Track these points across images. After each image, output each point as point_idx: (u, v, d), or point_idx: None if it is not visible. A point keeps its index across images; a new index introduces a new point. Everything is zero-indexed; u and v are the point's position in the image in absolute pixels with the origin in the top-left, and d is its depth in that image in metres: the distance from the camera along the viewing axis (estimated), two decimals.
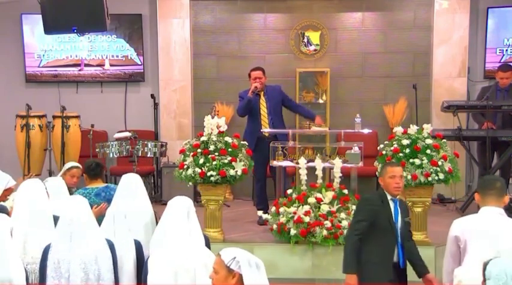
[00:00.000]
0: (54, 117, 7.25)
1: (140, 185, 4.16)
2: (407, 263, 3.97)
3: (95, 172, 4.82)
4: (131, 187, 4.08)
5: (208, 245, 3.52)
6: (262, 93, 6.44)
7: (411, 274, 4.03)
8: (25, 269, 3.18)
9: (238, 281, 2.51)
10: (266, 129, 6.34)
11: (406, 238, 3.97)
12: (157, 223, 4.17)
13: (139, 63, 8.24)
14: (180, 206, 3.34)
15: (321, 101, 7.96)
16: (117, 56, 8.25)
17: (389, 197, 3.95)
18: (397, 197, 3.98)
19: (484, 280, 2.50)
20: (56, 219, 3.54)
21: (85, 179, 4.94)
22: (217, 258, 2.61)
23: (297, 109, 6.82)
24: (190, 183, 5.66)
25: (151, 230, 3.99)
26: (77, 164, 5.35)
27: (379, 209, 3.90)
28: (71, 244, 3.10)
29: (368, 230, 3.85)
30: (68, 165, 5.29)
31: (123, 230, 3.52)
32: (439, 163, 5.31)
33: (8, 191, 4.20)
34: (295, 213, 5.55)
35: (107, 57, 8.26)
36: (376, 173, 5.66)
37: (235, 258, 2.51)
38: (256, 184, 6.56)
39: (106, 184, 4.88)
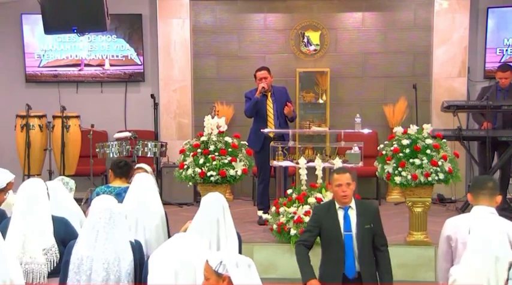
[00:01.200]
0: (54, 117, 7.25)
1: (152, 186, 4.15)
2: (366, 274, 3.76)
3: (122, 170, 4.76)
4: (143, 188, 4.08)
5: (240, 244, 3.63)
6: (270, 93, 6.44)
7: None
8: (24, 269, 3.19)
9: (229, 283, 2.53)
10: (270, 129, 6.33)
11: (366, 247, 3.76)
12: (167, 223, 4.19)
13: (140, 63, 8.24)
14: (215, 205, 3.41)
15: (321, 101, 7.96)
16: (117, 56, 8.25)
17: (337, 205, 3.82)
18: (349, 204, 3.82)
19: (508, 279, 2.51)
20: (55, 219, 3.54)
21: (110, 176, 4.88)
22: (205, 265, 2.64)
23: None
24: (190, 183, 5.66)
25: (162, 230, 4.01)
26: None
27: (324, 218, 3.81)
28: (97, 242, 3.11)
29: (321, 240, 3.85)
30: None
31: (123, 229, 3.51)
32: (439, 163, 5.31)
33: (10, 186, 4.17)
34: (295, 213, 5.55)
35: (107, 57, 8.26)
36: (376, 173, 5.68)
37: (221, 262, 2.55)
38: (259, 185, 6.54)
39: (128, 185, 4.84)
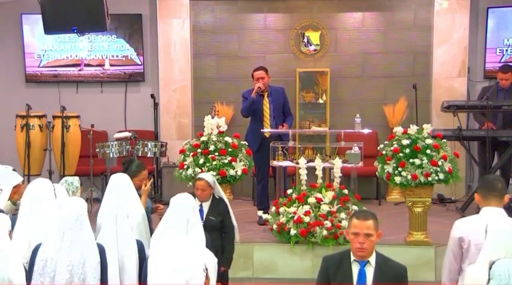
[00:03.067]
0: (54, 117, 7.25)
1: (130, 186, 4.13)
2: None
3: (123, 168, 4.67)
4: (122, 187, 4.06)
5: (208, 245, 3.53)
6: (266, 93, 6.44)
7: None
8: (25, 269, 3.18)
9: None
10: (267, 129, 6.34)
11: None
12: (149, 222, 4.18)
13: (140, 63, 8.24)
14: (182, 205, 3.36)
15: (321, 101, 7.96)
16: (117, 56, 8.25)
17: (353, 257, 3.09)
18: (368, 259, 3.08)
19: (489, 280, 2.51)
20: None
21: None
22: None
23: (284, 117, 6.64)
24: (190, 183, 5.66)
25: (144, 230, 3.99)
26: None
27: (333, 274, 3.10)
28: (62, 244, 3.09)
29: None
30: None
31: (126, 230, 3.51)
32: (439, 163, 5.31)
33: (17, 189, 4.18)
34: (295, 213, 5.55)
35: (107, 57, 8.25)
36: (376, 173, 5.68)
37: None
38: (258, 185, 6.56)
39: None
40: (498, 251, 2.86)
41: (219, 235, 4.50)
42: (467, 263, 3.38)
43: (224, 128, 5.69)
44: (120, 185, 4.05)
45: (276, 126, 6.37)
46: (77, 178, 4.42)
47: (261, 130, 6.32)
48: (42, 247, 3.14)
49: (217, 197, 4.60)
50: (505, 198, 3.45)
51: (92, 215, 4.13)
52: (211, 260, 3.19)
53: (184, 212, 3.37)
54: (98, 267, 3.11)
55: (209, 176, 4.60)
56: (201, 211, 4.45)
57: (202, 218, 4.39)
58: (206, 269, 3.01)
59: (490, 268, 2.53)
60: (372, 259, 3.09)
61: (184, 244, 3.13)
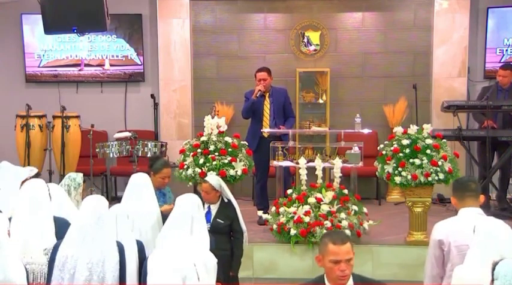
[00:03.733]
0: (54, 117, 7.25)
1: (148, 186, 4.14)
2: None
3: (149, 163, 4.75)
4: (139, 188, 4.07)
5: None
6: (268, 94, 6.45)
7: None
8: (25, 269, 3.18)
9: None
10: (266, 129, 6.34)
11: None
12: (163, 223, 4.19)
13: (140, 63, 8.24)
14: (187, 203, 3.36)
15: (321, 101, 7.95)
16: (117, 56, 8.25)
17: None
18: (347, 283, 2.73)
19: (493, 280, 2.50)
20: (56, 220, 3.54)
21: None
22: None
23: (285, 118, 6.65)
24: (190, 183, 5.67)
25: (158, 231, 4.00)
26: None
27: None
28: (83, 242, 3.11)
29: None
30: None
31: (126, 230, 3.51)
32: (439, 163, 5.31)
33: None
34: (295, 213, 5.55)
35: (107, 57, 8.26)
36: (376, 173, 5.68)
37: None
38: (257, 184, 6.57)
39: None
40: (489, 251, 2.87)
41: (227, 238, 4.47)
42: (449, 265, 3.38)
43: (224, 128, 5.69)
44: (137, 185, 4.06)
45: (276, 127, 6.38)
46: (80, 174, 4.44)
47: (260, 130, 6.32)
48: (63, 244, 3.17)
49: (226, 200, 4.55)
50: (481, 198, 3.46)
51: None
52: (209, 260, 3.19)
53: (189, 210, 3.37)
54: (117, 267, 3.14)
55: (214, 179, 4.54)
56: (208, 213, 4.44)
57: (209, 221, 4.39)
58: (196, 268, 3.00)
59: (494, 269, 2.53)
60: (350, 283, 2.78)
61: (182, 243, 3.13)
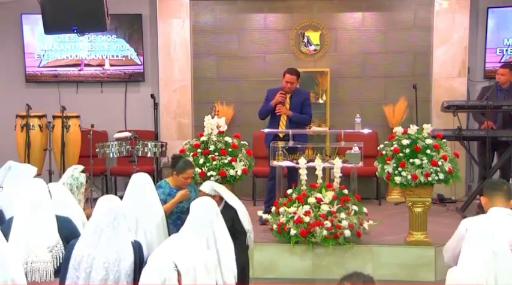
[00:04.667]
0: (54, 117, 7.25)
1: (150, 186, 4.14)
2: None
3: (172, 162, 4.88)
4: (141, 188, 4.06)
5: None
6: (289, 95, 6.45)
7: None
8: (30, 268, 3.19)
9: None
10: (277, 130, 6.38)
11: None
12: (167, 223, 4.19)
13: (140, 63, 8.24)
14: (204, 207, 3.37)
15: (321, 101, 7.96)
16: (117, 56, 8.25)
17: None
18: None
19: None
20: (58, 218, 3.54)
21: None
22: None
23: None
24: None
25: (163, 231, 4.00)
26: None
27: None
28: (99, 241, 3.12)
29: None
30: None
31: (122, 230, 3.51)
32: (439, 163, 5.31)
33: None
34: (295, 213, 5.55)
35: (107, 57, 8.26)
36: (376, 173, 5.68)
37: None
38: (269, 181, 6.51)
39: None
40: (483, 251, 2.87)
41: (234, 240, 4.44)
42: None
43: (224, 128, 5.69)
44: (139, 185, 4.06)
45: (291, 127, 6.38)
46: (83, 174, 4.48)
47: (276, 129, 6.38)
48: (79, 243, 3.18)
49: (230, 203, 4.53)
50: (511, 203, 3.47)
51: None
52: (209, 261, 3.18)
53: (207, 213, 3.35)
54: (132, 266, 3.15)
55: (206, 186, 4.49)
56: None
57: None
58: (177, 269, 2.99)
59: None
60: None
61: (184, 244, 3.13)
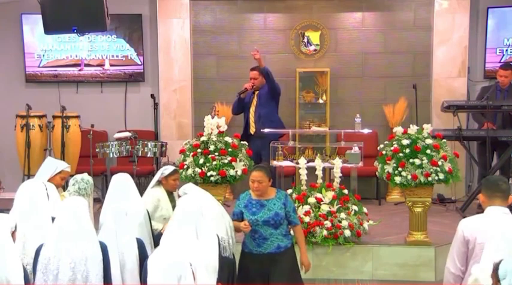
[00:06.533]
0: (54, 117, 7.25)
1: (132, 185, 4.14)
2: None
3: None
4: (123, 187, 4.06)
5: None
6: (257, 92, 6.55)
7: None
8: (24, 269, 3.18)
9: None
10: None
11: None
12: (150, 221, 4.19)
13: (140, 63, 8.24)
14: (189, 205, 3.36)
15: (321, 101, 7.96)
16: (117, 56, 8.25)
17: None
18: None
19: (498, 281, 2.49)
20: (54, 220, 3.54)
21: None
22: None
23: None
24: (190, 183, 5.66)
25: (146, 229, 4.00)
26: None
27: None
28: (64, 243, 3.11)
29: None
30: (168, 169, 4.81)
31: (125, 228, 3.51)
32: (439, 163, 5.31)
33: (65, 174, 4.76)
34: None
35: (107, 57, 8.26)
36: (376, 173, 5.68)
37: None
38: None
39: None
40: (504, 251, 2.87)
41: None
42: (472, 262, 3.38)
43: (224, 128, 5.69)
44: (121, 184, 4.05)
45: (261, 122, 6.50)
46: (90, 176, 4.47)
47: (248, 127, 6.55)
48: (45, 246, 3.15)
49: None
50: (510, 198, 3.46)
51: (94, 214, 4.15)
52: (210, 261, 3.19)
53: (193, 210, 3.34)
54: (100, 265, 3.13)
55: (180, 190, 4.42)
56: None
57: None
58: (192, 268, 2.99)
59: (497, 269, 2.51)
60: None
61: (182, 243, 3.13)
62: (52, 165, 4.76)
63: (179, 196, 4.44)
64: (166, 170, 4.77)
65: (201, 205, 3.46)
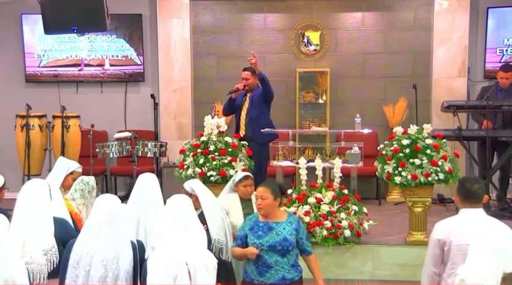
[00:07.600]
0: (54, 117, 7.25)
1: (156, 186, 4.13)
2: None
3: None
4: (148, 188, 4.06)
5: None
6: (248, 95, 6.49)
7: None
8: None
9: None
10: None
11: None
12: None
13: (140, 63, 8.24)
14: (180, 205, 3.35)
15: (321, 101, 7.96)
16: (117, 56, 8.25)
17: None
18: None
19: None
20: (55, 220, 3.54)
21: None
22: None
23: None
24: None
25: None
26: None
27: None
28: (98, 240, 3.14)
29: None
30: (239, 175, 4.66)
31: (121, 229, 3.51)
32: (439, 163, 5.31)
33: (76, 175, 4.64)
34: (295, 213, 5.54)
35: (107, 57, 8.26)
36: (376, 173, 5.68)
37: None
38: None
39: None
40: (488, 250, 2.87)
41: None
42: (450, 264, 3.38)
43: (224, 128, 5.69)
44: (145, 185, 4.05)
45: (251, 124, 6.38)
46: (92, 177, 4.55)
47: (238, 129, 6.44)
48: (77, 242, 3.20)
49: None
50: (484, 198, 3.46)
51: None
52: (210, 261, 3.18)
53: (182, 209, 3.34)
54: (131, 264, 3.17)
55: (186, 184, 4.39)
56: None
57: None
58: (188, 268, 2.99)
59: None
60: None
61: (178, 243, 3.13)
62: (64, 166, 4.73)
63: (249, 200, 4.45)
64: (237, 176, 4.62)
65: (190, 204, 3.42)
